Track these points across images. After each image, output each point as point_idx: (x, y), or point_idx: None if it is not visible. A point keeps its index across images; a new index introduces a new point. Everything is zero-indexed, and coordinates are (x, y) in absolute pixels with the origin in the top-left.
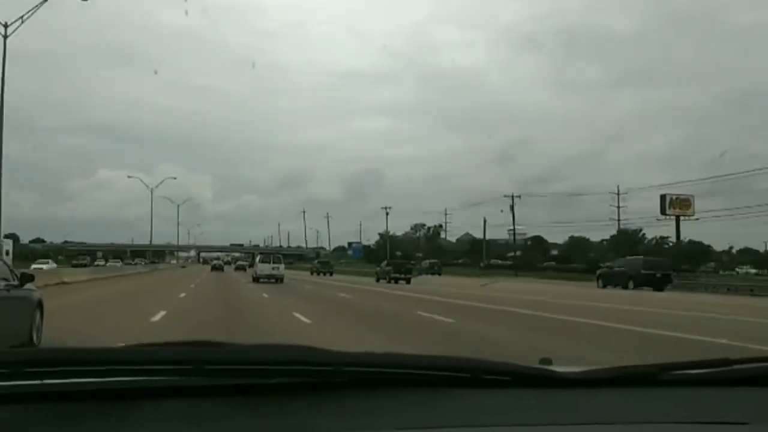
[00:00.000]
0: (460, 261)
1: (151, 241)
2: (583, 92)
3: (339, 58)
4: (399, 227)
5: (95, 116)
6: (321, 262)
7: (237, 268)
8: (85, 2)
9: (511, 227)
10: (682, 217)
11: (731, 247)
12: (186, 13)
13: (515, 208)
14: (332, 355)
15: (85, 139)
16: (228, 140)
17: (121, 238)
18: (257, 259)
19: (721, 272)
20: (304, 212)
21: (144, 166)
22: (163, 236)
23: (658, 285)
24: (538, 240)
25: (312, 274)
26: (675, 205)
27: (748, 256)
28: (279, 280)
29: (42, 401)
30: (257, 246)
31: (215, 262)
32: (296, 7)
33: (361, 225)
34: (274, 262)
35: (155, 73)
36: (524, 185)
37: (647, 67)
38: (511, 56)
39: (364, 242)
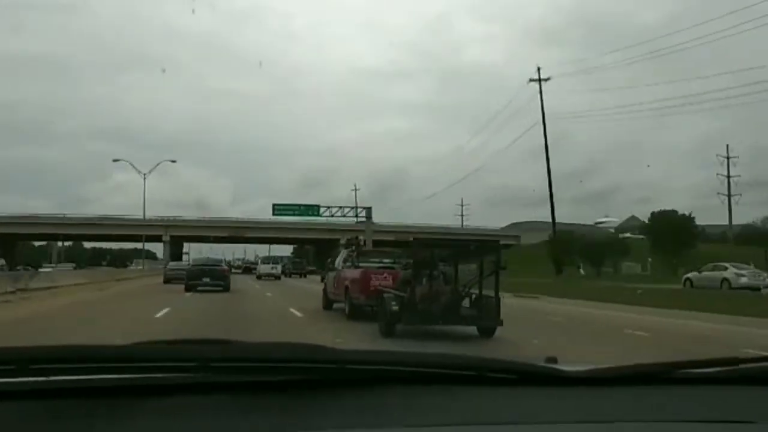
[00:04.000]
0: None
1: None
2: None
3: (359, 57)
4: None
5: (112, 121)
6: None
7: (243, 271)
8: (101, 9)
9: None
10: None
11: None
12: (193, 12)
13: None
14: (338, 353)
15: (101, 144)
16: (248, 142)
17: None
18: (259, 261)
19: None
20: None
21: (161, 168)
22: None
23: None
24: None
25: None
26: None
27: None
28: (277, 277)
29: (48, 398)
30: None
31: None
32: (314, 7)
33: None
34: (273, 263)
35: (163, 71)
36: (558, 181)
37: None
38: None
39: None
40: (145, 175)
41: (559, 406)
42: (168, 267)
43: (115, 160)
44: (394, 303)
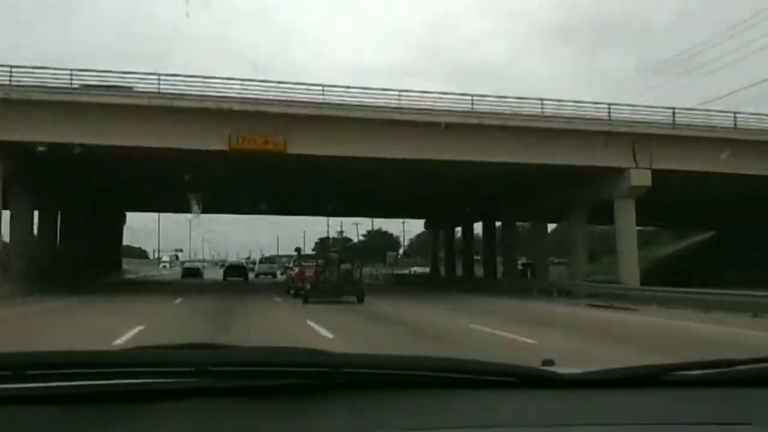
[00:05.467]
0: None
1: None
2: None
3: (363, 56)
4: None
5: None
6: None
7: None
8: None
9: None
10: None
11: None
12: (188, 15)
13: None
14: (335, 357)
15: None
16: None
17: None
18: (258, 260)
19: None
20: None
21: None
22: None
23: None
24: None
25: None
26: None
27: None
28: (273, 275)
29: (45, 404)
30: None
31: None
32: (316, 5)
33: None
34: (270, 263)
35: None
36: None
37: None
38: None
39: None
40: None
41: (556, 409)
42: (184, 266)
43: None
44: (308, 285)
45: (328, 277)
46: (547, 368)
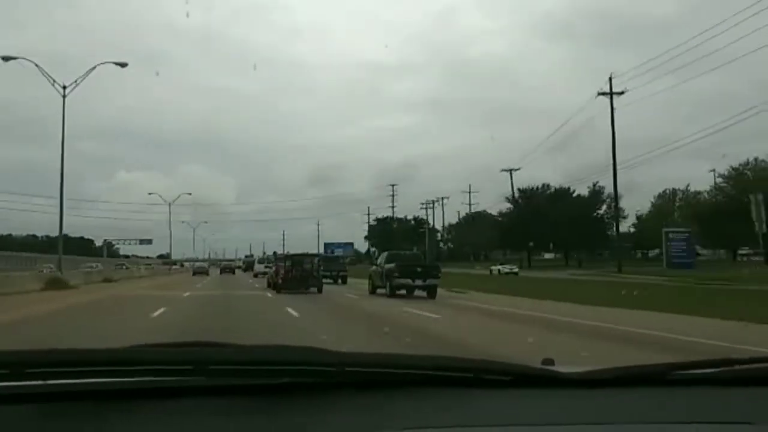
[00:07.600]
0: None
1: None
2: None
3: (364, 52)
4: None
5: (114, 120)
6: None
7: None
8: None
9: None
10: None
11: None
12: (187, 15)
13: None
14: (336, 356)
15: (103, 143)
16: (251, 141)
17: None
18: (256, 260)
19: None
20: None
21: (163, 167)
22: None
23: None
24: None
25: None
26: None
27: None
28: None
29: (45, 402)
30: None
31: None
32: (319, 2)
33: None
34: (267, 263)
35: (157, 74)
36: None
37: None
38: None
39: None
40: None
41: (555, 408)
42: (195, 266)
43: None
44: (280, 279)
45: (295, 274)
46: (546, 367)
